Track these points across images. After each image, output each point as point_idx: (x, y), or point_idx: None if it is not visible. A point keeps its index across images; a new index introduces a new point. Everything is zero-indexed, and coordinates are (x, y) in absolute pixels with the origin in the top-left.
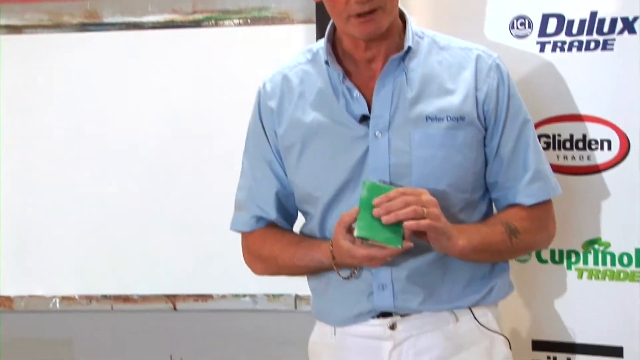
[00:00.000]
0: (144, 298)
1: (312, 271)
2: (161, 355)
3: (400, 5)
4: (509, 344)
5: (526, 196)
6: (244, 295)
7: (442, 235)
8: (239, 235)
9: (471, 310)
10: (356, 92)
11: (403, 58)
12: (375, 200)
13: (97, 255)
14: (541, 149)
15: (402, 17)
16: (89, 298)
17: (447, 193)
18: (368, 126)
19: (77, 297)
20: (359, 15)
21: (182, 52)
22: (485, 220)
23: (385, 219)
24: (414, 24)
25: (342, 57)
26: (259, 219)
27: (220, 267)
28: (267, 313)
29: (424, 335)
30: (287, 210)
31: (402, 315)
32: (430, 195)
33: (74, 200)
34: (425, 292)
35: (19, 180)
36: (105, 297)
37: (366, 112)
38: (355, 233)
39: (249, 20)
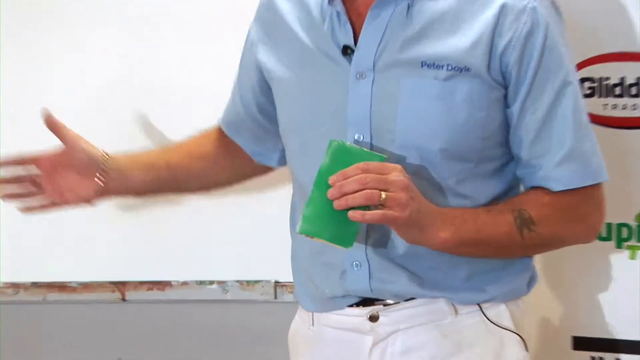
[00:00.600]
0: (85, 286)
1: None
2: (106, 356)
3: None
4: (525, 345)
5: (554, 180)
6: (211, 282)
7: (410, 227)
8: (202, 210)
9: (478, 305)
10: (344, 19)
11: None
12: (331, 178)
13: (26, 237)
14: (587, 120)
15: None
16: (16, 286)
17: (439, 160)
18: (350, 61)
19: (1, 284)
20: None
21: None
22: (495, 203)
23: (335, 204)
24: None
25: None
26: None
27: (180, 248)
28: (240, 304)
29: (413, 330)
30: (245, 127)
31: (386, 305)
32: (401, 174)
33: None
34: (411, 274)
35: None
36: (35, 285)
37: (350, 42)
38: (298, 228)
39: None
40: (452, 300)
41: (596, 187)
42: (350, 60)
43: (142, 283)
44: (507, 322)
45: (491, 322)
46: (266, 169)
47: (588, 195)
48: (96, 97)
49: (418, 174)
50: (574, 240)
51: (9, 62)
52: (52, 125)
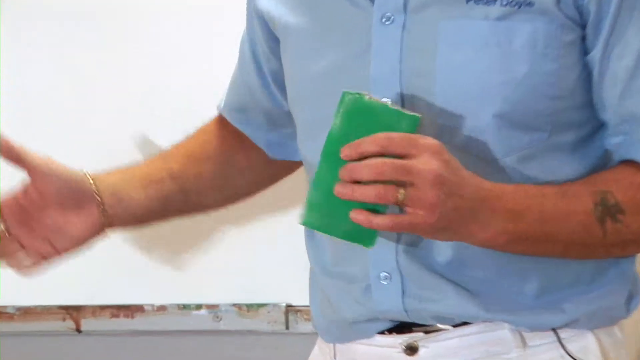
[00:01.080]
0: (25, 312)
1: None
2: None
3: None
4: None
5: None
6: (199, 307)
7: (440, 232)
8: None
9: (555, 332)
10: None
11: None
12: (343, 150)
13: None
14: None
15: None
16: None
17: (495, 129)
18: (372, 4)
19: None
20: None
21: None
22: (569, 183)
23: (338, 191)
24: None
25: None
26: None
27: (156, 262)
28: (238, 336)
29: None
30: (252, 118)
31: (428, 332)
32: (434, 157)
33: None
34: (460, 289)
35: None
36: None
37: None
38: (300, 218)
39: None
40: (518, 324)
41: None
42: (372, 2)
43: (103, 308)
44: (595, 356)
45: (570, 356)
46: (289, 168)
47: None
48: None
49: (466, 150)
50: None
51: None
52: (9, 154)
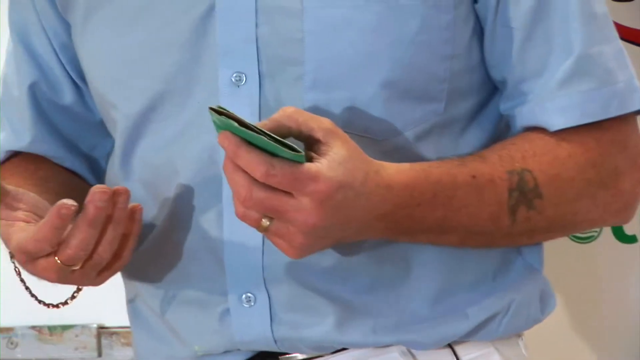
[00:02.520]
0: None
1: None
2: None
3: None
4: None
5: (555, 109)
6: None
7: (315, 245)
8: None
9: (452, 349)
10: None
11: None
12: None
13: None
14: (604, 12)
15: None
16: None
17: (383, 101)
18: None
19: None
20: None
21: None
22: (482, 158)
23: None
24: None
25: None
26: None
27: None
28: None
29: None
30: (52, 122)
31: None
32: (320, 205)
33: None
34: (341, 306)
35: None
36: None
37: None
38: None
39: None
40: (411, 344)
41: (627, 121)
42: None
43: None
44: None
45: None
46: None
47: (614, 138)
48: None
49: (347, 131)
50: (593, 222)
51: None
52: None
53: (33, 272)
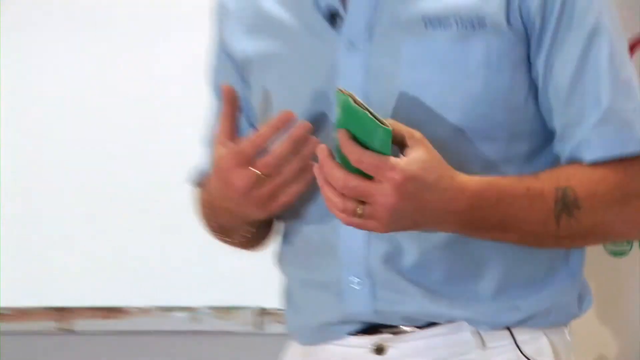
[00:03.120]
0: (24, 313)
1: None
2: None
3: None
4: None
5: (589, 147)
6: (179, 309)
7: (397, 225)
8: (167, 219)
9: (510, 332)
10: None
11: None
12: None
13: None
14: (629, 76)
15: None
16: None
17: (456, 142)
18: (338, 31)
19: None
20: None
21: None
22: (541, 173)
23: (320, 185)
24: None
25: None
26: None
27: (137, 266)
28: (214, 336)
29: None
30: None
31: (396, 333)
32: (397, 189)
33: None
34: (425, 290)
35: None
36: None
37: (336, 5)
38: None
39: None
40: (477, 323)
41: None
42: (338, 29)
43: (86, 309)
44: (548, 357)
45: (526, 357)
46: None
47: (635, 170)
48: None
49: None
50: (621, 233)
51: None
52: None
53: (225, 183)
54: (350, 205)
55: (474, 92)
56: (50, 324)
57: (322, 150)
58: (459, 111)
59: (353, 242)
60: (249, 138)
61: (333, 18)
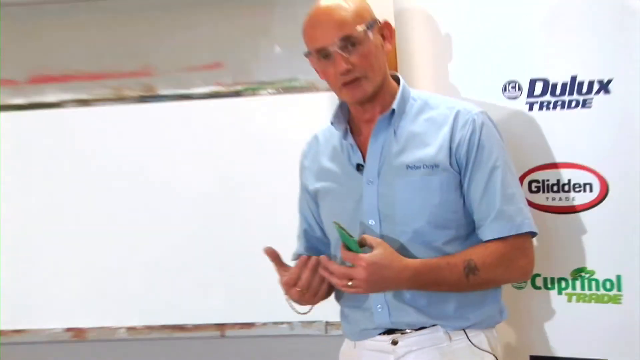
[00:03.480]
0: (197, 327)
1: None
2: None
3: (403, 74)
4: None
5: (488, 232)
6: (282, 323)
7: (374, 290)
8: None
9: (464, 332)
10: (354, 146)
11: (390, 118)
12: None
13: (156, 290)
14: (512, 191)
15: (398, 81)
16: (150, 328)
17: (427, 229)
18: (363, 174)
19: (139, 327)
20: (345, 84)
21: (226, 118)
22: (459, 252)
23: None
24: (418, 87)
25: (352, 119)
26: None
27: (261, 299)
28: (301, 337)
29: (422, 351)
30: (312, 245)
31: (403, 333)
32: (367, 268)
33: (136, 247)
34: (417, 309)
35: (99, 230)
36: (163, 326)
37: (361, 161)
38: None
39: (281, 90)
40: (446, 327)
41: (523, 239)
42: (362, 173)
43: (235, 324)
44: (486, 346)
45: (475, 346)
46: None
47: (516, 245)
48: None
49: (415, 240)
50: (507, 280)
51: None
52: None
53: (290, 295)
54: (344, 282)
55: (434, 203)
56: (212, 333)
57: (324, 259)
58: (427, 214)
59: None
60: (290, 273)
61: (359, 168)
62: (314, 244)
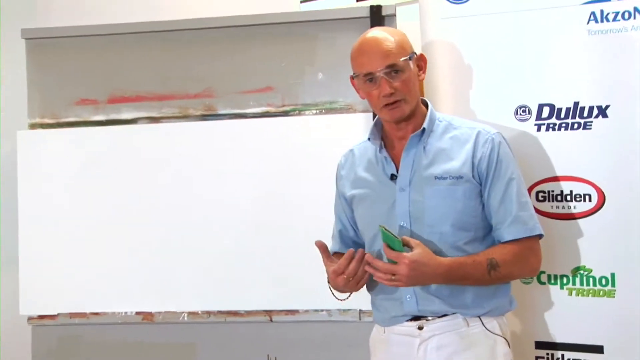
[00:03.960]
0: (248, 312)
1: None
2: (261, 355)
3: (428, 98)
4: (509, 344)
5: (506, 234)
6: (322, 310)
7: (412, 284)
8: (318, 263)
9: (480, 318)
10: (389, 159)
11: (420, 135)
12: (369, 261)
13: (214, 281)
14: (525, 199)
15: (426, 105)
16: (209, 313)
17: (451, 231)
18: (396, 183)
19: (199, 312)
20: (387, 105)
21: (275, 135)
22: (482, 251)
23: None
24: (442, 111)
25: (385, 136)
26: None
27: (304, 288)
28: (339, 323)
29: (444, 335)
30: (346, 243)
31: (427, 320)
32: (406, 266)
33: (195, 245)
34: (440, 300)
35: (166, 231)
36: (220, 312)
37: (394, 171)
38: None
39: (323, 111)
40: (465, 314)
41: (533, 240)
42: (395, 182)
43: (282, 310)
44: (498, 331)
45: (488, 330)
46: None
47: (528, 245)
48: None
49: (441, 240)
50: (520, 276)
51: None
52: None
53: (334, 281)
54: (388, 276)
55: (458, 209)
56: (261, 318)
57: (369, 256)
58: (452, 218)
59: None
60: (338, 263)
61: (392, 177)
62: (347, 242)
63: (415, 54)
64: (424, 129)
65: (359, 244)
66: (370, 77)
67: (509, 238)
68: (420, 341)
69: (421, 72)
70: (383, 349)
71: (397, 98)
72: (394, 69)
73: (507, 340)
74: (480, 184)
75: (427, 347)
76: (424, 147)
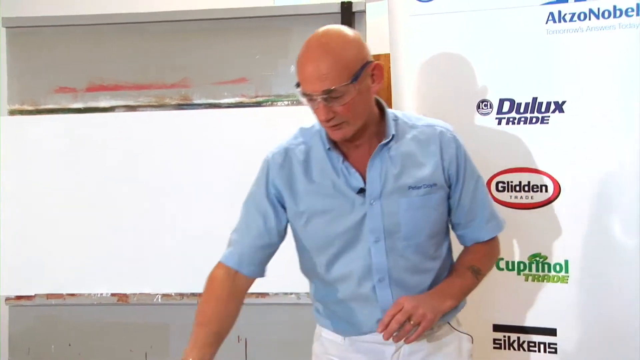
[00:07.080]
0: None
1: None
2: (231, 336)
3: (394, 94)
4: (472, 340)
5: (485, 233)
6: (291, 293)
7: (429, 308)
8: (287, 247)
9: (448, 323)
10: (353, 171)
11: (387, 143)
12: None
13: (189, 262)
14: (489, 195)
15: (380, 105)
16: (182, 295)
17: (426, 241)
18: (364, 196)
19: (173, 294)
20: (328, 126)
21: (248, 124)
22: (455, 265)
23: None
24: (407, 107)
25: (338, 142)
26: (236, 266)
27: (274, 272)
28: (307, 306)
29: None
30: (259, 261)
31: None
32: (407, 302)
33: (169, 230)
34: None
35: (144, 215)
36: (193, 294)
37: (363, 185)
38: None
39: (294, 102)
40: (445, 318)
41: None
42: (363, 195)
43: (252, 293)
44: (462, 328)
45: (454, 329)
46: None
47: (496, 240)
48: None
49: (417, 251)
50: (491, 268)
51: None
52: None
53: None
54: (406, 322)
55: (432, 218)
56: (253, 299)
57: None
58: (429, 227)
59: (384, 296)
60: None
61: (360, 190)
62: (263, 261)
63: (367, 63)
64: (393, 135)
65: (270, 251)
66: (309, 97)
67: (489, 236)
68: (395, 349)
69: (375, 83)
70: (346, 356)
71: (337, 122)
72: (331, 95)
73: (470, 337)
74: (450, 187)
75: (399, 354)
76: (389, 154)
